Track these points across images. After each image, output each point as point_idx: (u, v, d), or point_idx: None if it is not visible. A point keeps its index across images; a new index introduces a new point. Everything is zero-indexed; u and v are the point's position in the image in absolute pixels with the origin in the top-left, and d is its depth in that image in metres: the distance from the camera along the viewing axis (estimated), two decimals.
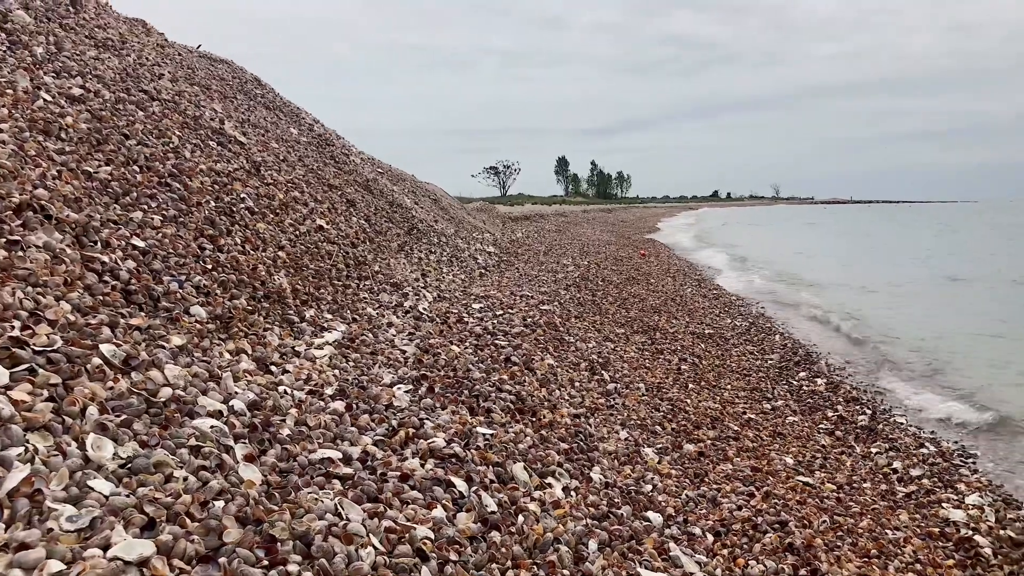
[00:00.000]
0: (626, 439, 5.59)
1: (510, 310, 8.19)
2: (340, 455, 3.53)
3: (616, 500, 4.35)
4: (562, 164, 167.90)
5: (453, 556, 3.01)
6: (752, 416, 7.51)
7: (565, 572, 3.36)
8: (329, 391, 4.38)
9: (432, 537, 3.03)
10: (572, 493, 4.22)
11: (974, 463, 7.22)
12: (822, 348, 12.13)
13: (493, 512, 3.50)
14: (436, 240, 13.68)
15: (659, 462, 5.38)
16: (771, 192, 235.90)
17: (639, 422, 6.19)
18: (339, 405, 4.12)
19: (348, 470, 3.40)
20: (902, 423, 8.24)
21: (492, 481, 3.80)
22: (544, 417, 5.06)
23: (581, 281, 14.30)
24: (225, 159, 7.31)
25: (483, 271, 13.32)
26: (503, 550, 3.22)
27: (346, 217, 9.93)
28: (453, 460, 3.78)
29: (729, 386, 8.70)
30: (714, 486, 5.20)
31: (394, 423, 4.07)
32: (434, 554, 2.94)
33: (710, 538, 4.35)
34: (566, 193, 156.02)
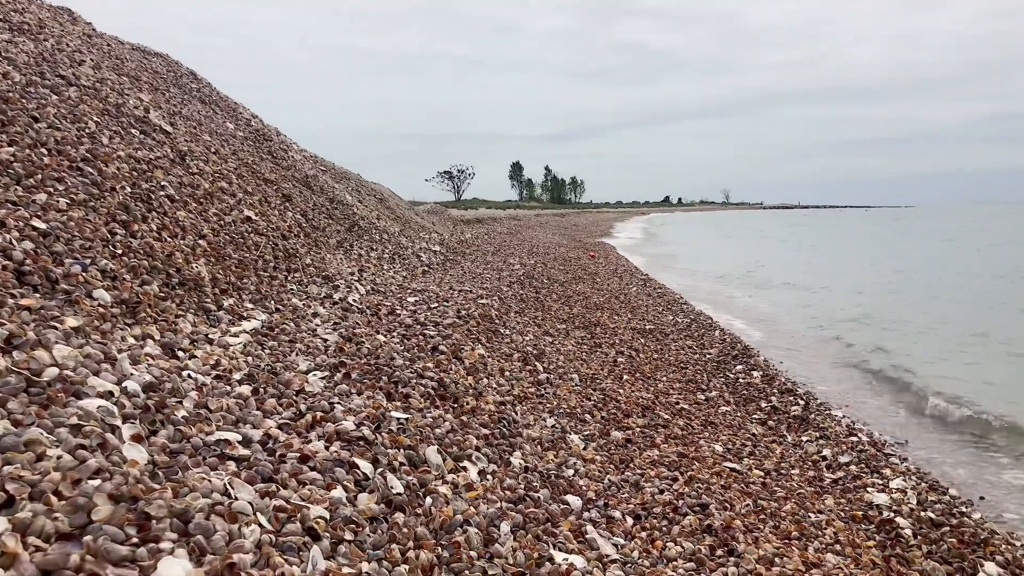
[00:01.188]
0: (553, 426, 5.52)
1: (445, 303, 8.08)
2: (240, 437, 3.39)
3: (535, 484, 4.28)
4: (516, 169, 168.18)
5: (348, 536, 2.90)
6: (685, 406, 7.51)
7: (472, 553, 3.27)
8: (237, 376, 4.23)
9: (327, 517, 2.91)
10: (489, 477, 4.13)
11: (904, 450, 7.34)
12: (756, 341, 12.27)
13: (399, 494, 3.39)
14: (378, 237, 13.52)
15: (584, 448, 5.33)
16: (721, 198, 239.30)
17: (569, 411, 6.13)
18: (245, 389, 3.98)
19: (245, 452, 3.26)
20: (836, 414, 8.34)
21: (402, 464, 3.69)
22: (467, 404, 4.97)
23: (526, 279, 14.24)
24: (147, 147, 7.09)
25: (426, 269, 13.18)
26: (405, 531, 3.12)
27: (280, 211, 9.74)
28: (361, 443, 3.66)
29: (665, 378, 8.70)
30: (638, 471, 5.16)
31: (303, 407, 3.95)
32: (327, 533, 2.83)
33: (630, 521, 4.30)
34: (520, 198, 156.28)
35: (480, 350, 6.52)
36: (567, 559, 3.58)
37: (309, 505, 2.93)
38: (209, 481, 2.83)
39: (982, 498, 6.20)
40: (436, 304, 7.94)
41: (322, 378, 4.57)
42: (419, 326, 6.51)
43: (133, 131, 7.25)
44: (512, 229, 40.78)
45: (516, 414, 5.35)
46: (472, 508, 3.61)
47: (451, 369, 5.51)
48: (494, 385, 5.79)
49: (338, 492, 3.14)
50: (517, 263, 16.87)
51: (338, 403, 4.09)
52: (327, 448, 3.52)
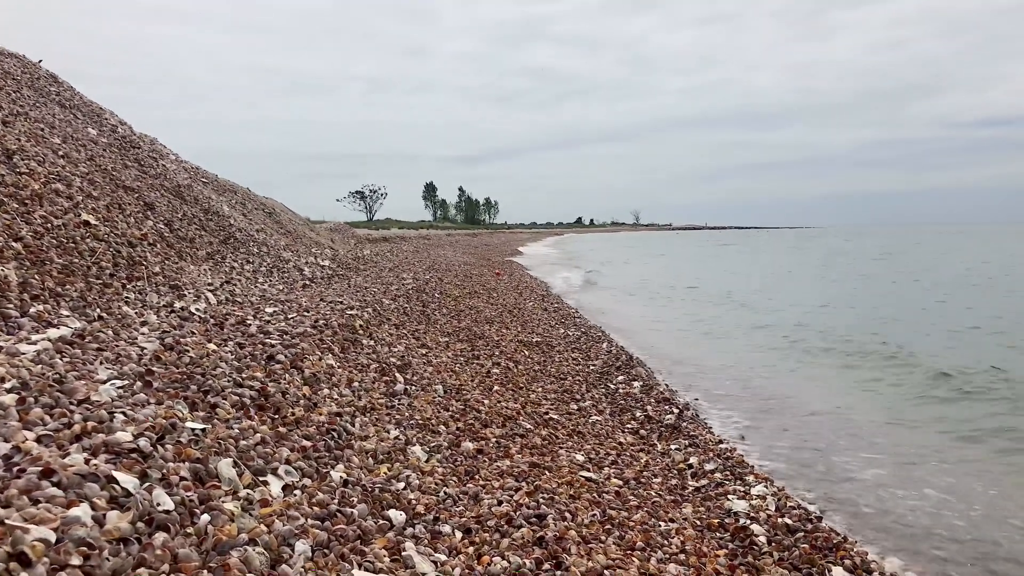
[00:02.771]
0: (396, 437, 5.16)
1: (305, 313, 7.64)
2: None
3: (353, 499, 3.90)
4: (430, 190, 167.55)
5: (75, 560, 2.47)
6: (555, 416, 7.25)
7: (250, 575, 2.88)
8: (8, 384, 3.73)
9: (51, 539, 2.48)
10: (297, 492, 3.75)
11: (770, 456, 7.26)
12: (642, 353, 12.20)
13: (167, 511, 2.97)
14: (256, 250, 12.93)
15: (427, 460, 4.98)
16: (632, 219, 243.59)
17: (421, 422, 5.78)
18: (8, 398, 3.49)
19: None
20: (711, 423, 8.25)
21: (183, 478, 3.27)
22: (291, 414, 4.56)
23: (415, 293, 13.86)
24: None
25: (308, 282, 12.67)
26: (160, 552, 2.71)
27: (138, 218, 9.13)
28: (134, 455, 3.23)
29: (540, 388, 8.45)
30: (481, 482, 4.84)
31: (77, 417, 3.48)
32: (45, 559, 2.40)
33: (459, 535, 3.97)
34: (435, 218, 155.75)
35: (329, 360, 6.12)
36: None
37: (29, 527, 2.49)
38: None
39: (842, 504, 6.12)
40: (295, 314, 7.50)
41: (120, 387, 4.10)
42: (262, 335, 6.06)
43: None
44: (419, 247, 40.33)
45: (354, 425, 4.97)
46: (263, 526, 3.22)
47: (284, 379, 5.10)
48: (335, 396, 5.39)
49: (80, 510, 2.71)
50: (410, 278, 16.47)
51: (122, 413, 3.64)
52: (88, 462, 3.08)
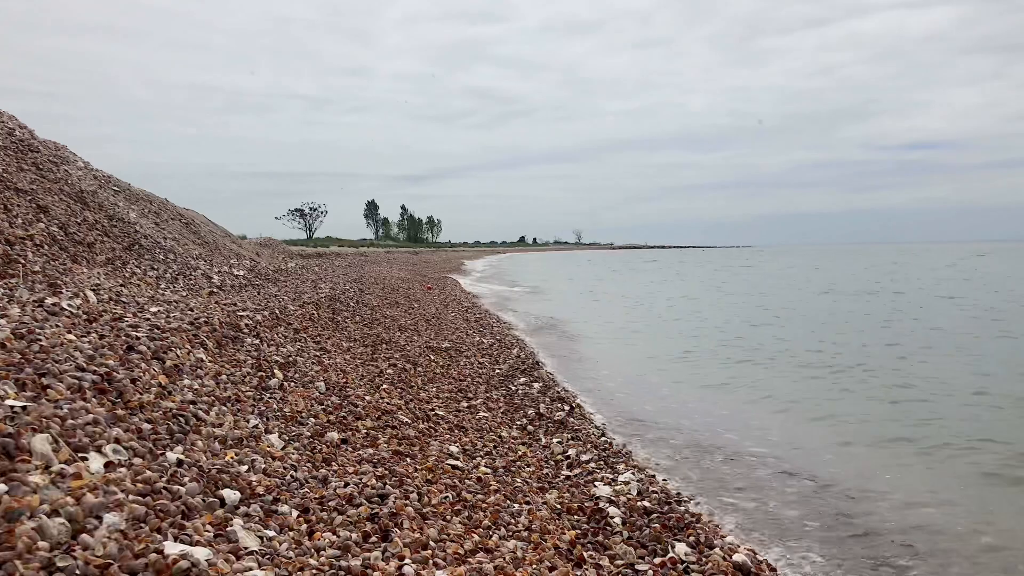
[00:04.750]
0: (254, 426, 5.14)
1: (188, 312, 7.56)
2: None
3: (184, 478, 3.88)
4: (371, 208, 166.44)
5: None
6: (440, 412, 7.30)
7: (43, 543, 2.85)
8: None
9: None
10: (122, 469, 3.71)
11: (643, 451, 7.41)
12: (548, 355, 12.34)
13: None
14: (163, 257, 12.74)
15: (284, 447, 4.98)
16: (574, 238, 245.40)
17: (290, 414, 5.77)
18: None
19: None
20: (598, 419, 8.40)
21: None
22: (135, 399, 4.52)
23: (327, 301, 13.79)
24: None
25: (215, 290, 12.50)
26: None
27: (26, 220, 8.96)
28: None
29: (435, 388, 8.49)
30: (335, 467, 4.86)
31: None
32: None
33: (295, 514, 3.98)
34: (376, 237, 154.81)
35: (200, 354, 6.07)
36: (183, 551, 3.22)
37: None
38: None
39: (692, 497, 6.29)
40: (178, 313, 7.41)
41: None
42: (130, 328, 5.99)
43: None
44: (354, 263, 40.06)
45: (209, 414, 4.94)
46: (70, 498, 3.19)
47: (140, 367, 5.05)
48: (196, 386, 5.35)
49: None
50: (327, 288, 16.38)
51: None
52: None
